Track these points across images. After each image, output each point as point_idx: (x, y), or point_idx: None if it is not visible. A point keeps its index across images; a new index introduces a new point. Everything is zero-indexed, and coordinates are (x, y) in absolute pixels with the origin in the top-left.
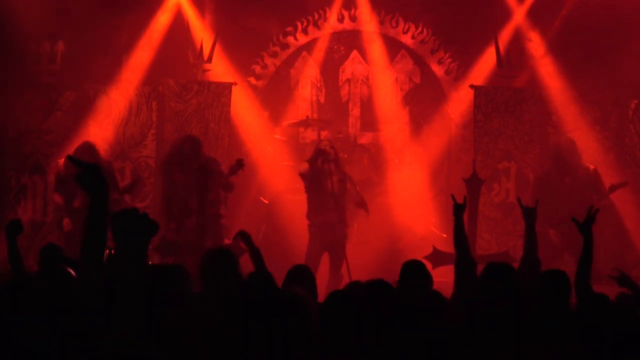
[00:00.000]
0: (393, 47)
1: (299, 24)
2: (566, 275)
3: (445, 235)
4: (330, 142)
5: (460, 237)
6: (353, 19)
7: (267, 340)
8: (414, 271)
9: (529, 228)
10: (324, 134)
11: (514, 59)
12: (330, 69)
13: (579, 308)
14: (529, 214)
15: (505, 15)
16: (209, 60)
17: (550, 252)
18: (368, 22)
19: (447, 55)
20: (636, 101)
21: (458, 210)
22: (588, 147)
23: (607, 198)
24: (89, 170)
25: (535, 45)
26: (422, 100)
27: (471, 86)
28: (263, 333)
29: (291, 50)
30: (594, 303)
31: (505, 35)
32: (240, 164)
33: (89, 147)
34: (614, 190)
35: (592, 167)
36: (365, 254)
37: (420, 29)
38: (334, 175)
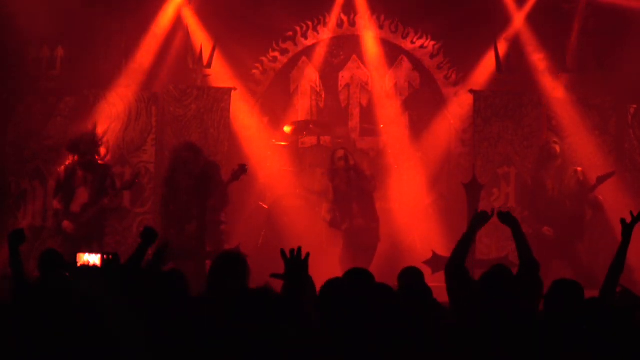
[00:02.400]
0: (392, 52)
1: (298, 29)
2: (579, 286)
3: (443, 240)
4: (345, 150)
5: (467, 244)
6: (352, 24)
7: (262, 342)
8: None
9: (515, 233)
10: (323, 139)
11: (514, 63)
12: (329, 74)
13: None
14: (506, 220)
15: (505, 20)
16: (209, 65)
17: (545, 255)
18: (367, 27)
19: (446, 60)
20: (635, 106)
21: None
22: (587, 151)
23: (593, 191)
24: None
25: (536, 52)
26: (422, 105)
27: (471, 91)
28: (258, 335)
29: (291, 55)
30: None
31: (504, 40)
32: (243, 169)
33: (93, 138)
34: (602, 182)
35: (579, 169)
36: None
37: (419, 34)
38: (355, 183)
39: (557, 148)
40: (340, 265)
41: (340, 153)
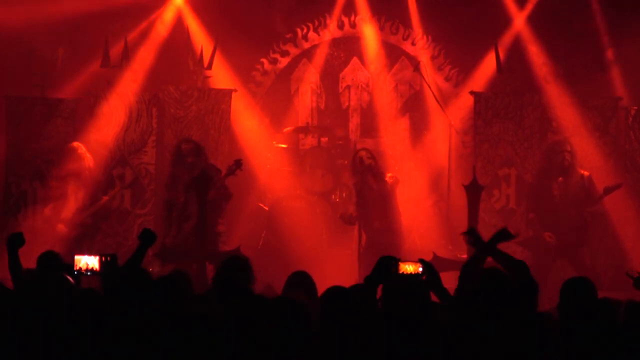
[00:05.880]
0: (393, 53)
1: (299, 30)
2: (589, 282)
3: (444, 242)
4: (367, 151)
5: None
6: (353, 25)
7: (266, 344)
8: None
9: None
10: (324, 140)
11: (514, 65)
12: (330, 75)
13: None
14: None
15: (506, 21)
16: (209, 66)
17: (548, 257)
18: (368, 28)
19: (447, 62)
20: (636, 107)
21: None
22: (588, 152)
23: (599, 203)
24: None
25: (537, 53)
26: (422, 106)
27: (471, 92)
28: (261, 336)
29: (291, 56)
30: (600, 309)
31: (505, 42)
32: (238, 164)
33: (72, 150)
34: (609, 193)
35: (586, 173)
36: None
37: (420, 36)
38: (373, 185)
39: (569, 158)
40: (359, 267)
41: (361, 154)
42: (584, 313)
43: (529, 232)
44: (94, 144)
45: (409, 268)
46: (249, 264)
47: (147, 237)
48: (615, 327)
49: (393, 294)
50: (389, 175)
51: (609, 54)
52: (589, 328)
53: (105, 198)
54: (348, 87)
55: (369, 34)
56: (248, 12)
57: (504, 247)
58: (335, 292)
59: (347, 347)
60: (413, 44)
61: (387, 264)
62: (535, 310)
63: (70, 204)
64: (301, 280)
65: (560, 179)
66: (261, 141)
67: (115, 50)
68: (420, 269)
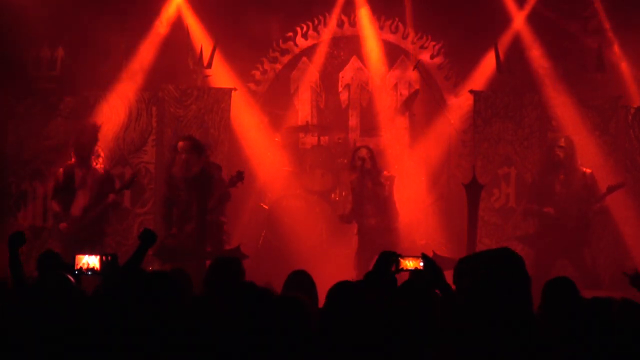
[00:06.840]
0: (393, 52)
1: (298, 29)
2: (570, 281)
3: (444, 241)
4: (367, 150)
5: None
6: (353, 24)
7: (267, 343)
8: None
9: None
10: (324, 139)
11: (514, 64)
12: (330, 74)
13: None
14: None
15: (505, 20)
16: (209, 65)
17: (549, 256)
18: (368, 27)
19: (446, 61)
20: (636, 106)
21: None
22: (588, 152)
23: (602, 201)
24: None
25: (536, 53)
26: (422, 105)
27: (471, 91)
28: (263, 336)
29: (291, 55)
30: (597, 307)
31: (505, 41)
32: (240, 176)
33: (93, 128)
34: (612, 192)
35: (588, 170)
36: None
37: (420, 35)
38: (369, 186)
39: (561, 154)
40: (355, 264)
41: (361, 153)
42: (564, 313)
43: (530, 230)
44: None
45: (409, 264)
46: (241, 264)
47: (147, 237)
48: (607, 326)
49: (394, 289)
50: (384, 175)
51: (611, 51)
52: (569, 327)
53: (112, 196)
54: (348, 86)
55: (369, 33)
56: (248, 11)
57: (499, 246)
58: (343, 287)
59: (348, 344)
60: (413, 42)
61: (387, 260)
62: (531, 308)
63: (79, 202)
64: (301, 280)
65: (562, 176)
66: (261, 140)
67: (116, 50)
68: (422, 264)
